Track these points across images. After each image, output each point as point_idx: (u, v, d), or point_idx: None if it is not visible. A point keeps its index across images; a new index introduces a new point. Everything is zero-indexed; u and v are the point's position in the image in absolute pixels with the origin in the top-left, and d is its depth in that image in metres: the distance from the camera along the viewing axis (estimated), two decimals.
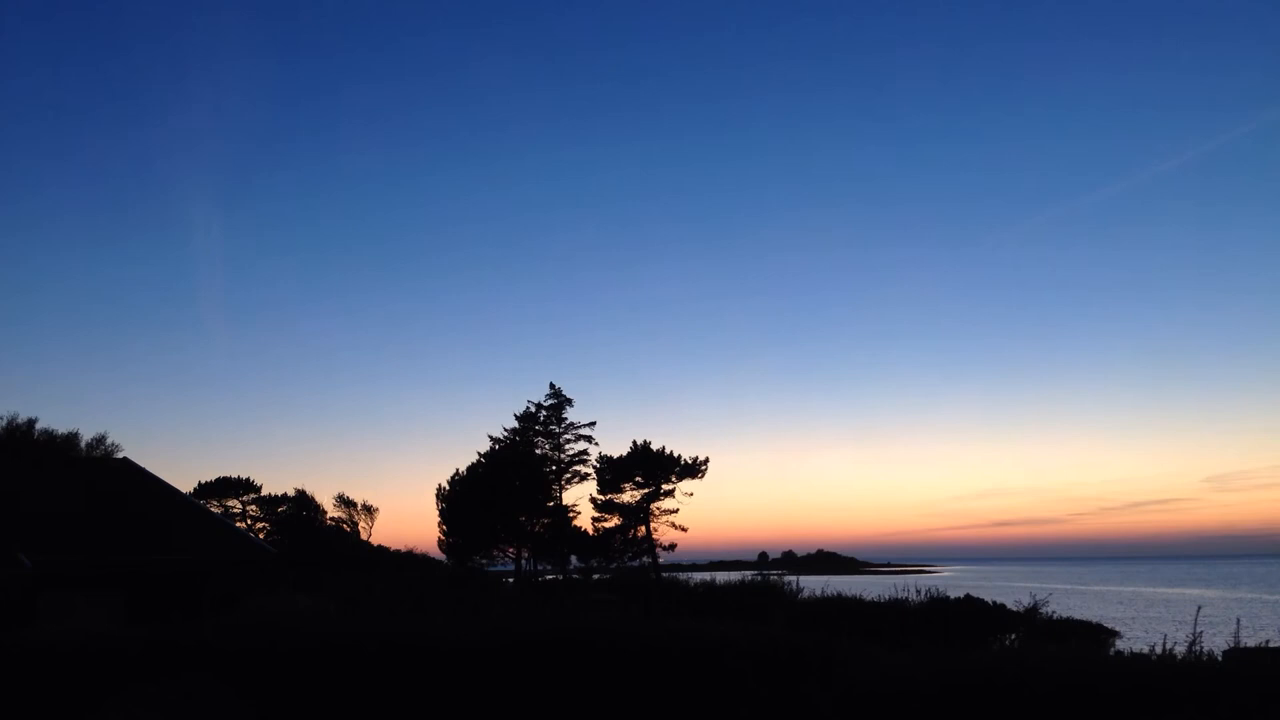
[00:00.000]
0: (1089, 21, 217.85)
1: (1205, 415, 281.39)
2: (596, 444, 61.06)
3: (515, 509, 56.51)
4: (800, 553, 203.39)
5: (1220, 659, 12.98)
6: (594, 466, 60.00)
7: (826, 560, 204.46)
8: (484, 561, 58.33)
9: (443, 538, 58.11)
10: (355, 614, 17.63)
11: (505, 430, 61.08)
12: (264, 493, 70.66)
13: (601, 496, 59.19)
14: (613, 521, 58.93)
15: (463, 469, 58.79)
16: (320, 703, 13.60)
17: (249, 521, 68.98)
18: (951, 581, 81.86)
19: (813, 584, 41.70)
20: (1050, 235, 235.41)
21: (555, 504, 59.60)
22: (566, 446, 61.06)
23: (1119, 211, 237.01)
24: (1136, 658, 11.96)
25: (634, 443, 59.04)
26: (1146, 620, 52.54)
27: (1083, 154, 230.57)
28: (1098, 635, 33.67)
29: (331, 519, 72.51)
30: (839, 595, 37.64)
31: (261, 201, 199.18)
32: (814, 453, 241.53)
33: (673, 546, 58.89)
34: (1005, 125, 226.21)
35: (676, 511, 58.50)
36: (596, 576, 53.55)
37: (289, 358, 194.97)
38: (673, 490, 58.33)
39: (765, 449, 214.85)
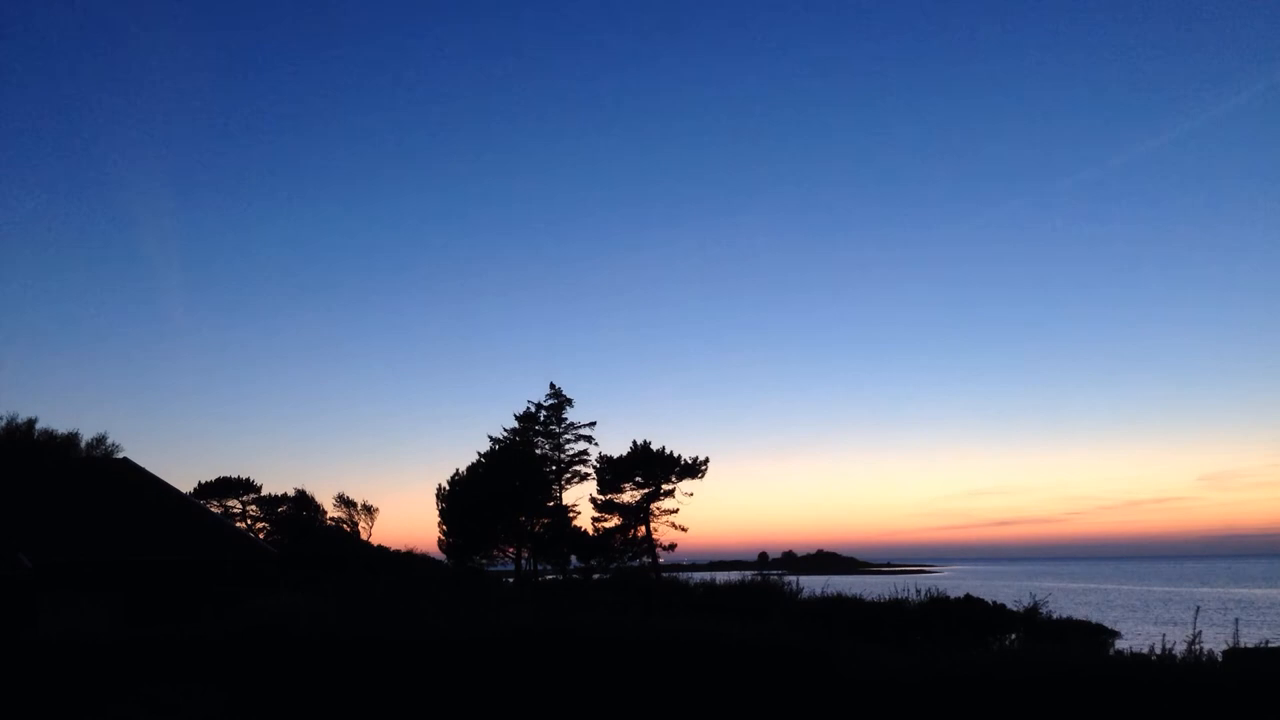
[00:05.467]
0: (1057, 14, 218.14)
1: (1200, 414, 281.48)
2: (596, 444, 61.09)
3: (515, 509, 56.47)
4: (800, 553, 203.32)
5: (1220, 659, 13.00)
6: (594, 466, 60.01)
7: (826, 560, 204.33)
8: (484, 561, 58.26)
9: (443, 538, 58.07)
10: (354, 614, 17.64)
11: (505, 430, 61.08)
12: (264, 493, 70.73)
13: (601, 496, 59.19)
14: (613, 521, 58.92)
15: (463, 469, 58.78)
16: (320, 702, 13.60)
17: (249, 521, 68.94)
18: (951, 581, 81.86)
19: (813, 584, 41.59)
20: (1042, 233, 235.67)
21: (555, 504, 59.55)
22: (566, 446, 61.06)
23: (1112, 205, 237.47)
24: (1136, 658, 11.98)
25: (634, 443, 59.09)
26: (1146, 620, 52.55)
27: (1076, 146, 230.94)
28: (1098, 635, 33.62)
29: (331, 519, 72.49)
30: (839, 595, 37.51)
31: (260, 203, 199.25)
32: (813, 453, 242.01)
33: (673, 546, 58.93)
34: (997, 119, 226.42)
35: (676, 511, 58.54)
36: (596, 576, 53.48)
37: (289, 358, 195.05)
38: (673, 490, 58.35)
39: (765, 449, 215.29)
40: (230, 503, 69.45)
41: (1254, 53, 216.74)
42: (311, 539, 63.72)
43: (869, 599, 34.84)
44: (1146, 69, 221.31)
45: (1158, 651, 12.16)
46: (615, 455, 59.14)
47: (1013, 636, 28.51)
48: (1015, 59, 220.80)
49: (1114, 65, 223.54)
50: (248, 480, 70.22)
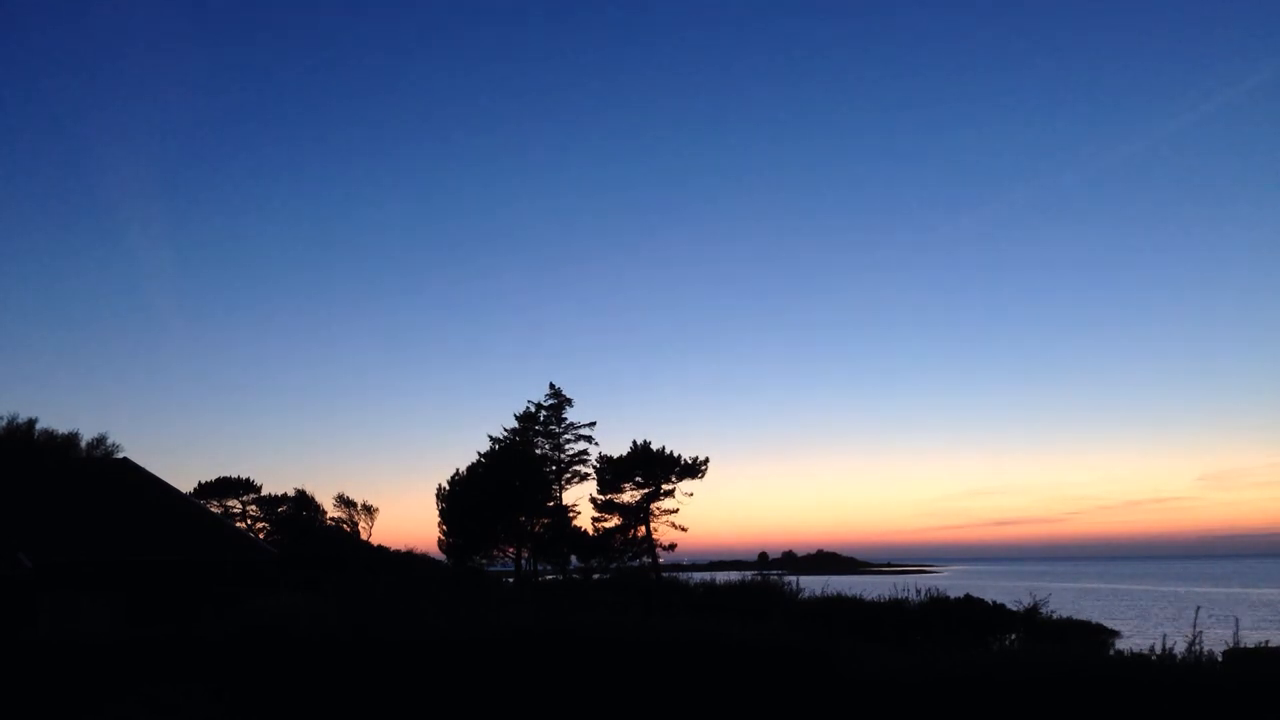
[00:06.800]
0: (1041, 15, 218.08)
1: (1200, 414, 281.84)
2: (596, 444, 61.03)
3: (515, 509, 56.43)
4: (800, 553, 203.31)
5: (1220, 659, 12.98)
6: (594, 466, 59.94)
7: (826, 560, 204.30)
8: (484, 561, 58.23)
9: (443, 538, 58.03)
10: (354, 615, 17.65)
11: (505, 430, 61.04)
12: (264, 493, 70.67)
13: (601, 496, 59.14)
14: (613, 521, 58.86)
15: (463, 469, 58.73)
16: (320, 702, 13.59)
17: (249, 521, 68.90)
18: (951, 581, 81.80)
19: (813, 584, 41.59)
20: (1042, 231, 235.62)
21: (555, 504, 59.50)
22: (566, 446, 61.01)
23: (1111, 201, 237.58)
24: (1136, 658, 11.97)
25: (634, 443, 59.01)
26: (1146, 620, 52.55)
27: (1075, 142, 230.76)
28: (1098, 635, 33.64)
29: (331, 519, 72.44)
30: (839, 595, 37.53)
31: (258, 203, 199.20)
32: (814, 453, 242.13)
33: (673, 546, 58.86)
34: (996, 116, 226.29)
35: (676, 511, 58.47)
36: (596, 576, 53.46)
37: (289, 358, 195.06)
38: (673, 490, 58.27)
39: (765, 449, 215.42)
40: (230, 503, 69.41)
41: (1252, 47, 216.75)
42: (311, 539, 63.67)
43: (869, 599, 34.83)
44: (1143, 63, 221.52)
45: (1158, 652, 12.14)
46: (615, 455, 59.13)
47: (1013, 636, 28.50)
48: (1010, 53, 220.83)
49: (1110, 60, 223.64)
50: (248, 480, 70.24)
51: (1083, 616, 40.29)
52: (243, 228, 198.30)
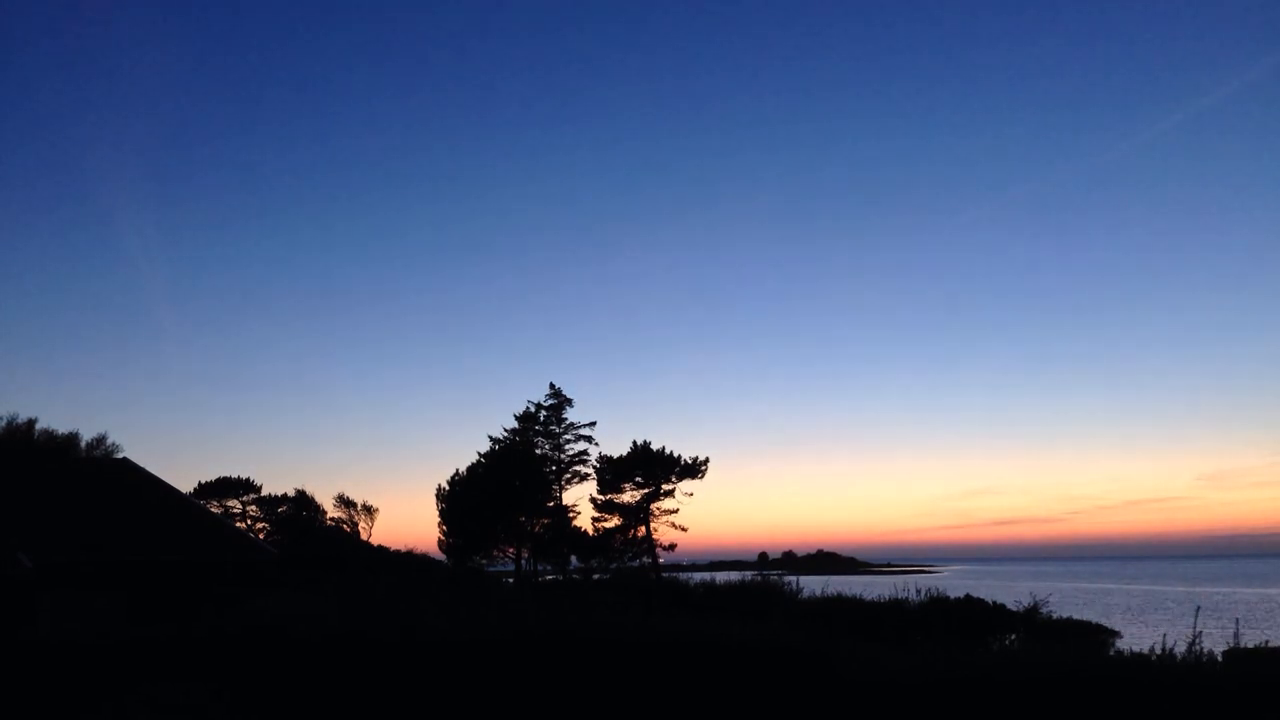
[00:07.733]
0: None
1: (1199, 414, 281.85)
2: (596, 444, 61.02)
3: (515, 509, 56.41)
4: (800, 553, 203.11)
5: (1220, 659, 12.99)
6: (594, 466, 59.93)
7: (826, 560, 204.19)
8: (484, 561, 58.22)
9: (443, 538, 58.01)
10: (355, 615, 17.64)
11: (505, 430, 61.04)
12: (264, 493, 70.58)
13: (601, 496, 59.12)
14: (613, 521, 58.85)
15: (463, 469, 58.73)
16: (320, 703, 13.58)
17: (249, 521, 68.86)
18: (951, 581, 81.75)
19: (813, 584, 41.55)
20: (1040, 231, 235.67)
21: (555, 504, 59.48)
22: (566, 446, 60.99)
23: (1109, 200, 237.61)
24: (1136, 658, 11.98)
25: (634, 443, 58.99)
26: (1146, 620, 52.54)
27: (1072, 140, 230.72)
28: (1098, 635, 33.62)
29: (331, 519, 72.38)
30: (839, 595, 37.48)
31: (257, 203, 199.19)
32: (814, 453, 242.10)
33: (673, 546, 58.85)
34: (994, 115, 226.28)
35: (676, 511, 58.46)
36: (596, 577, 53.40)
37: (289, 358, 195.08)
38: (673, 490, 58.26)
39: (765, 449, 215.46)
40: (230, 503, 69.37)
41: (1247, 42, 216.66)
42: (311, 539, 63.62)
43: (869, 599, 34.75)
44: (1139, 60, 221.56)
45: (1158, 652, 12.14)
46: (615, 455, 59.12)
47: (1013, 637, 28.50)
48: (1008, 51, 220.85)
49: (1107, 57, 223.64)
50: (248, 480, 70.18)
51: (1083, 616, 40.27)
52: (241, 227, 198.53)
